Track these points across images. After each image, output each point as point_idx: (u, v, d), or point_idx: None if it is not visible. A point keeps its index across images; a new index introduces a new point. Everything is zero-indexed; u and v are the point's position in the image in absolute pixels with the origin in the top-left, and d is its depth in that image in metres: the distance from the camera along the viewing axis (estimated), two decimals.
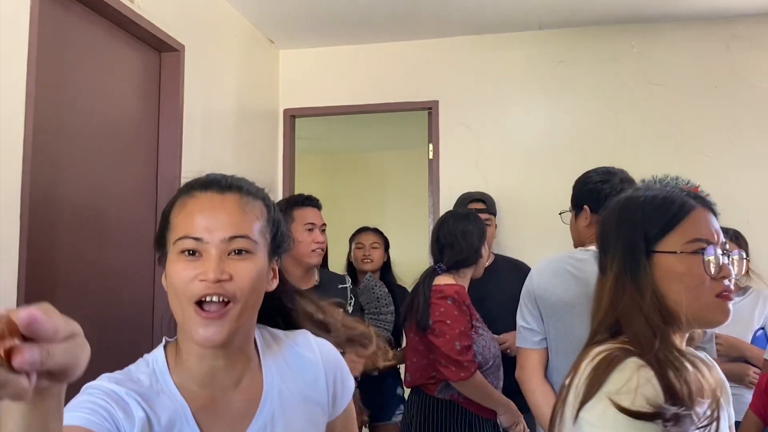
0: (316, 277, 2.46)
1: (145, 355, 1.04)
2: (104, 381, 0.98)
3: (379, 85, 3.77)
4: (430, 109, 3.70)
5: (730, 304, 1.11)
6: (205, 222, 0.94)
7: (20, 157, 1.81)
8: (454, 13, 3.37)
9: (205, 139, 2.91)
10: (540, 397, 1.92)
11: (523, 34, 3.63)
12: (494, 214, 3.07)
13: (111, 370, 2.27)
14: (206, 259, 0.92)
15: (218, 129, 3.07)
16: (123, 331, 2.37)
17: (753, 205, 3.30)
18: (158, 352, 1.04)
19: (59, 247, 2.04)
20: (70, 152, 2.12)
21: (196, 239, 0.93)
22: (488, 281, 2.82)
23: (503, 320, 2.59)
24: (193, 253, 0.93)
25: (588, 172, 2.15)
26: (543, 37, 3.61)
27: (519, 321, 2.01)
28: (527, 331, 1.99)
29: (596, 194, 2.03)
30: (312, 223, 2.44)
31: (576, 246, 2.18)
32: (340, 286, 2.48)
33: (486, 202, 3.06)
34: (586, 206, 2.04)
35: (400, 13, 3.37)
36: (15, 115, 1.80)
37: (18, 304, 1.77)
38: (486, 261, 2.95)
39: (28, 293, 1.81)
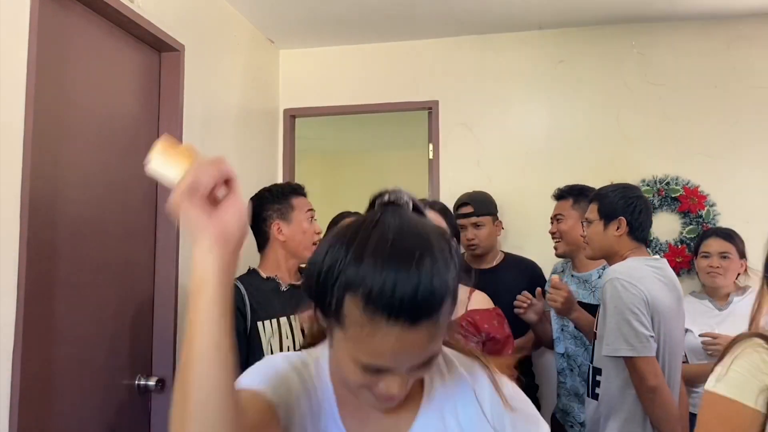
0: (299, 274, 2.35)
1: (311, 349, 1.01)
2: (281, 359, 0.96)
3: (379, 85, 3.77)
4: (430, 109, 3.70)
5: None
6: (391, 356, 0.81)
7: (20, 157, 1.81)
8: (454, 13, 3.37)
9: (205, 139, 2.91)
10: (674, 398, 2.06)
11: (523, 34, 3.63)
12: (486, 213, 3.00)
13: (111, 370, 2.28)
14: (390, 378, 0.84)
15: (218, 129, 3.07)
16: (123, 331, 2.37)
17: (753, 205, 3.30)
18: (324, 348, 0.98)
19: (59, 246, 2.04)
20: (70, 152, 2.11)
21: (382, 369, 0.83)
22: (497, 279, 2.84)
23: (510, 318, 2.61)
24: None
25: (613, 186, 2.35)
26: (543, 37, 3.61)
27: (641, 330, 2.01)
28: (653, 340, 2.04)
29: (633, 208, 2.22)
30: (312, 210, 2.32)
31: (597, 255, 2.31)
32: None
33: (472, 203, 2.99)
34: (623, 218, 2.23)
35: (400, 13, 3.37)
36: (15, 115, 1.80)
37: (18, 304, 1.77)
38: (494, 261, 2.97)
39: (28, 293, 1.81)
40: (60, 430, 2.02)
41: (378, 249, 0.80)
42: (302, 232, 2.22)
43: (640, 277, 2.09)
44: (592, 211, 2.31)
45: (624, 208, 2.23)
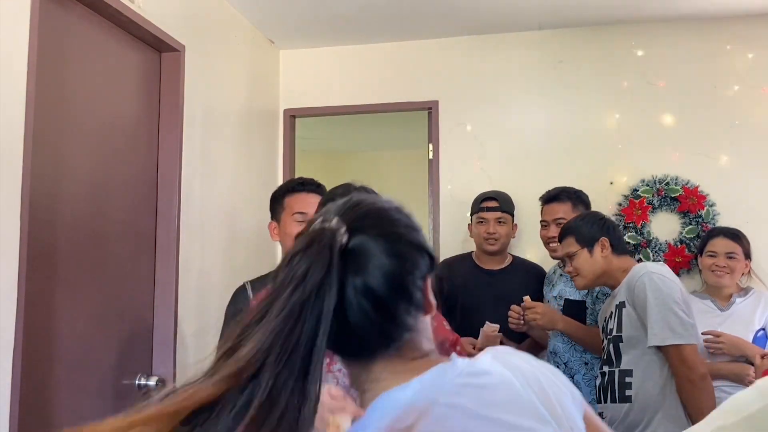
0: None
1: None
2: None
3: (379, 85, 3.77)
4: (430, 109, 3.70)
5: None
6: None
7: (20, 157, 1.81)
8: (454, 13, 3.37)
9: (205, 139, 2.91)
10: None
11: (523, 34, 3.63)
12: (510, 212, 2.98)
13: (111, 369, 2.29)
14: None
15: (218, 129, 3.07)
16: (123, 331, 2.37)
17: (753, 205, 3.29)
18: None
19: (59, 246, 2.04)
20: (70, 152, 2.12)
21: None
22: (504, 282, 2.83)
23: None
24: None
25: (577, 217, 2.48)
26: (543, 37, 3.61)
27: (686, 318, 2.10)
28: (694, 328, 2.15)
29: (606, 227, 2.36)
30: (302, 213, 2.09)
31: (591, 283, 2.36)
32: None
33: (498, 199, 2.98)
34: (604, 238, 2.32)
35: (400, 13, 3.37)
36: (15, 115, 1.80)
37: (18, 304, 1.77)
38: (504, 262, 2.95)
39: (28, 293, 1.81)
40: (60, 430, 2.02)
41: None
42: (286, 234, 2.11)
43: (668, 272, 2.18)
44: (571, 244, 2.36)
45: (599, 230, 2.34)
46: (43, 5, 1.92)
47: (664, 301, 2.08)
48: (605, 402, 2.24)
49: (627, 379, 2.17)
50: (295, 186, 2.21)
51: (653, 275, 2.13)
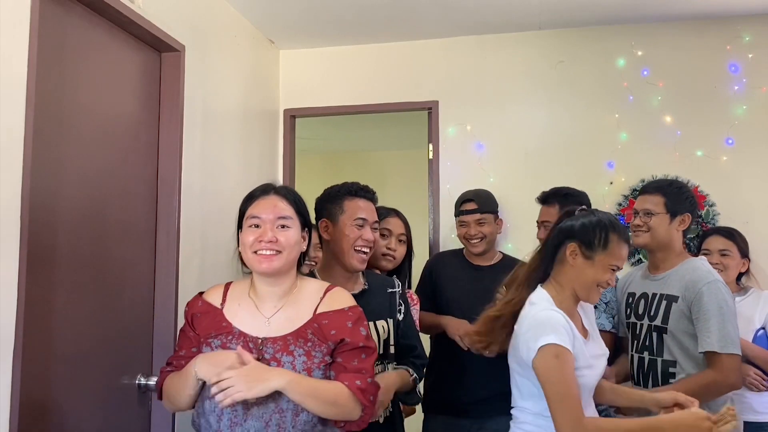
0: (362, 280, 2.20)
1: None
2: None
3: (379, 85, 3.77)
4: (430, 109, 3.70)
5: None
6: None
7: (20, 157, 1.81)
8: (454, 13, 3.37)
9: (205, 139, 2.91)
10: None
11: (523, 34, 3.63)
12: (490, 211, 2.94)
13: (111, 369, 2.29)
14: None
15: (218, 129, 3.07)
16: (123, 331, 2.37)
17: (753, 205, 3.30)
18: None
19: (59, 247, 2.04)
20: (70, 152, 2.11)
21: None
22: (492, 280, 2.82)
23: None
24: None
25: (675, 182, 2.51)
26: (543, 37, 3.61)
27: (737, 330, 2.22)
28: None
29: (694, 206, 2.42)
30: (364, 219, 2.15)
31: (653, 245, 2.40)
32: (389, 290, 2.20)
33: (476, 200, 2.93)
34: (689, 214, 2.37)
35: (400, 13, 3.38)
36: (15, 115, 1.80)
37: (18, 304, 1.77)
38: (493, 259, 2.94)
39: (28, 293, 1.81)
40: (60, 429, 2.02)
41: None
42: (344, 236, 2.14)
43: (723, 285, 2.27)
44: (657, 204, 2.39)
45: (689, 205, 2.39)
46: (43, 5, 1.92)
47: (728, 312, 2.19)
48: (646, 386, 2.33)
49: (671, 369, 2.28)
50: (357, 191, 2.21)
51: (720, 284, 2.22)
